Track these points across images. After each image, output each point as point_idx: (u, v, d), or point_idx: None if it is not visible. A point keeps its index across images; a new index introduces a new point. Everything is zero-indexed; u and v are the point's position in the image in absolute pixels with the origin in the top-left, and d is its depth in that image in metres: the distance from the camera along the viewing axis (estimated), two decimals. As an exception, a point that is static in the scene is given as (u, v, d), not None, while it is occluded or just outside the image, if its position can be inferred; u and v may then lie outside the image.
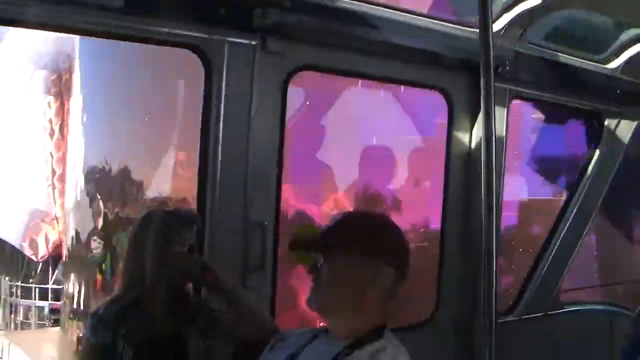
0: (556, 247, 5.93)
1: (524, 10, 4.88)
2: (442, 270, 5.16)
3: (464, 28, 4.76)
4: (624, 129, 6.19)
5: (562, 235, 5.95)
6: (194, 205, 4.08)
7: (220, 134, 3.93)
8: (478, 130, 4.96)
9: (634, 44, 5.63)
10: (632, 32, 5.57)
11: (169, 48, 3.98)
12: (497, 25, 4.95)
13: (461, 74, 4.91)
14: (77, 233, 10.13)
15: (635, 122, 6.22)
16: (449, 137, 5.09)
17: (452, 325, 5.17)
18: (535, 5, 4.82)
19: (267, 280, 4.17)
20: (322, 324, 3.12)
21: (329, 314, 2.81)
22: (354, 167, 6.24)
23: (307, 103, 6.31)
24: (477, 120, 5.02)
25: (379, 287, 2.72)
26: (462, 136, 5.09)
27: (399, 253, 2.81)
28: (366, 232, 2.79)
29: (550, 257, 5.90)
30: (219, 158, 3.93)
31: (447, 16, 4.75)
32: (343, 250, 2.73)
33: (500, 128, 5.16)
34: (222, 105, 3.93)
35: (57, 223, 13.01)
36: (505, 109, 5.21)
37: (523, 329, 5.71)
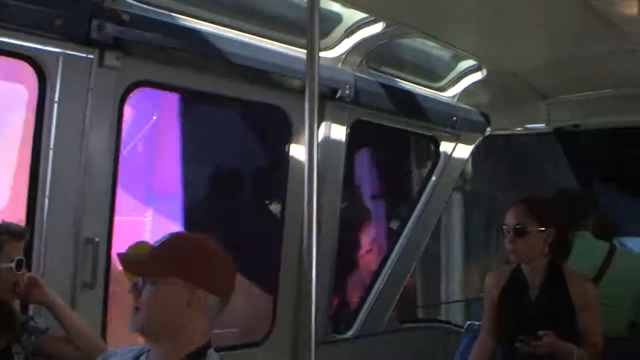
0: (391, 268, 6.11)
1: (365, 37, 5.00)
2: (278, 290, 5.22)
3: (301, 50, 4.79)
4: (460, 154, 6.45)
5: (397, 257, 6.13)
6: None
7: (52, 148, 3.83)
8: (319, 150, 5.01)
9: (470, 74, 5.88)
10: (467, 63, 5.81)
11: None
12: (338, 50, 5.06)
13: (302, 95, 4.92)
14: None
15: (471, 147, 6.49)
16: (287, 157, 5.16)
17: (287, 344, 5.22)
18: (376, 33, 4.94)
19: (97, 299, 4.08)
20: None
21: (150, 337, 2.77)
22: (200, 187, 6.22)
23: (154, 119, 6.24)
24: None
25: (198, 311, 2.70)
26: (302, 156, 5.14)
27: (219, 277, 2.77)
28: (185, 255, 2.74)
29: (386, 277, 6.06)
30: (49, 173, 3.83)
31: (285, 38, 4.77)
32: (162, 273, 2.70)
33: (339, 149, 5.28)
34: (55, 119, 3.83)
35: None
36: (345, 131, 5.32)
37: (359, 347, 5.83)
